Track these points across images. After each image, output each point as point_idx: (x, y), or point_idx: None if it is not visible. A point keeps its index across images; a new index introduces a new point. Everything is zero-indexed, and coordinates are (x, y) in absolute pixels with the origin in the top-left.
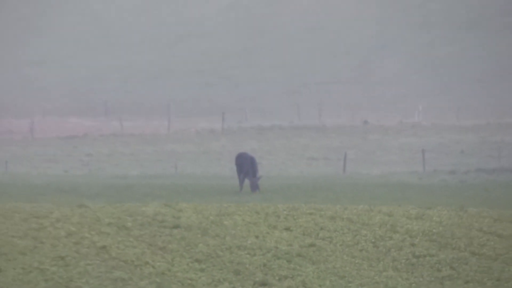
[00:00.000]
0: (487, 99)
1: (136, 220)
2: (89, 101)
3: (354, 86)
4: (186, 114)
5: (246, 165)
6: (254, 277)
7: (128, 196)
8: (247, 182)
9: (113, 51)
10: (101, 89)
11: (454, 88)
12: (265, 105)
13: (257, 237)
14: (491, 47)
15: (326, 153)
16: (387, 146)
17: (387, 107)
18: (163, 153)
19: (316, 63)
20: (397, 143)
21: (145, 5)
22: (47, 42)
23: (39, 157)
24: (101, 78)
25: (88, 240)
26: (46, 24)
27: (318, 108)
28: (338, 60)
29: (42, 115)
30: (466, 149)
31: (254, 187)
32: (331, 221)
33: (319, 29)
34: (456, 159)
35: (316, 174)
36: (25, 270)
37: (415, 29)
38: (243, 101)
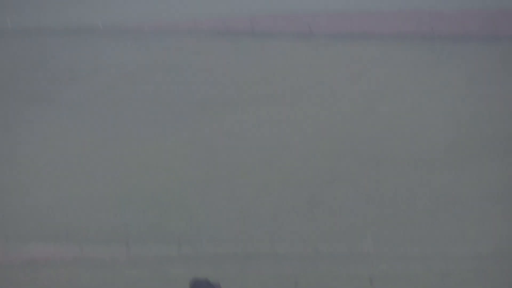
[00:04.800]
0: (433, 231)
1: None
2: (50, 227)
3: (306, 216)
4: (144, 241)
5: None
6: None
7: None
8: None
9: (73, 181)
10: (62, 216)
11: (401, 220)
12: (220, 233)
13: None
14: (435, 182)
15: (278, 280)
16: (337, 274)
17: (337, 237)
18: (122, 278)
19: (270, 194)
20: (346, 270)
21: (105, 140)
22: (8, 170)
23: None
24: (63, 205)
25: None
26: (7, 153)
27: (271, 236)
28: (290, 192)
29: (2, 240)
30: (411, 278)
31: None
32: None
33: (273, 162)
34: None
35: None
36: None
37: (364, 164)
38: (199, 230)
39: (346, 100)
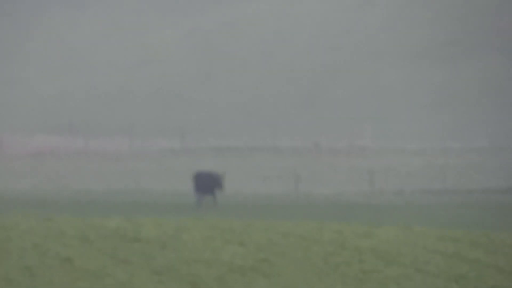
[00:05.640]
0: (432, 124)
1: (99, 233)
2: (55, 120)
3: (306, 110)
4: (147, 134)
5: (205, 184)
6: None
7: (92, 210)
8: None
9: (77, 73)
10: (67, 109)
11: (401, 114)
12: (223, 126)
13: (213, 251)
14: (436, 75)
15: (279, 173)
16: (337, 167)
17: (337, 131)
18: (125, 170)
19: (270, 87)
20: (346, 164)
21: (108, 31)
22: (13, 63)
23: (7, 172)
24: (66, 98)
25: (53, 252)
26: (12, 46)
27: (272, 130)
28: (291, 85)
29: (10, 132)
30: (412, 171)
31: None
32: (283, 238)
33: (273, 55)
34: (402, 180)
35: (270, 193)
36: None
37: (364, 57)
38: (202, 123)
39: None
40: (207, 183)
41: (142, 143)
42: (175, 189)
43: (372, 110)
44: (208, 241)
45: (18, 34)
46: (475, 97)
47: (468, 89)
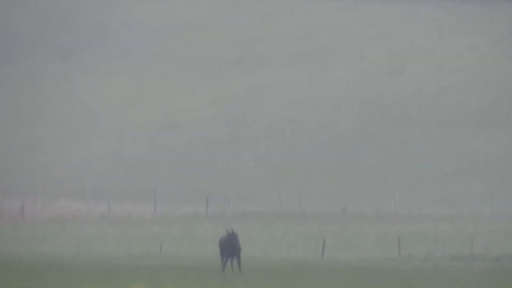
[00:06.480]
0: (460, 191)
1: None
2: (78, 185)
3: (333, 176)
4: (171, 199)
5: (228, 247)
6: None
7: (115, 276)
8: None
9: (101, 138)
10: (90, 174)
11: (429, 181)
12: (248, 192)
13: None
14: (463, 143)
15: (305, 239)
16: (365, 233)
17: (365, 197)
18: (148, 235)
19: (296, 154)
20: (374, 230)
21: (133, 96)
22: (37, 128)
23: (29, 237)
24: (90, 163)
25: None
26: (36, 112)
27: (298, 196)
28: (318, 151)
29: (32, 196)
30: (440, 237)
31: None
32: None
33: (300, 121)
34: (430, 247)
35: (296, 258)
36: None
37: (392, 125)
38: (227, 188)
39: (374, 59)
40: (230, 247)
41: (166, 208)
42: (198, 254)
43: (401, 177)
44: None
45: (42, 99)
46: (504, 165)
47: (497, 157)
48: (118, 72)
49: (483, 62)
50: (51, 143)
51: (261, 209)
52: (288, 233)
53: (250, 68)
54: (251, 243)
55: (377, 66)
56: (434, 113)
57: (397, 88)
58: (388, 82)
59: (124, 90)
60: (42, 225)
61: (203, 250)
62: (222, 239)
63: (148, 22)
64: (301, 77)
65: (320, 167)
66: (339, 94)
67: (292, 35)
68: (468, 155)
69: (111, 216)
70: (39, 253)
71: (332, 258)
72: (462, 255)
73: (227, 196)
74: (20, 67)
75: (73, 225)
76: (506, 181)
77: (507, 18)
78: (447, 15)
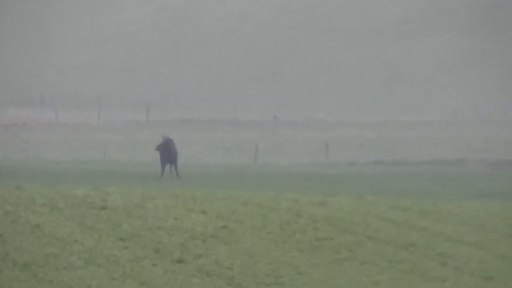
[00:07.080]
0: (385, 99)
1: (67, 201)
2: (27, 94)
3: (266, 85)
4: (114, 107)
5: (164, 153)
6: (172, 255)
7: (61, 179)
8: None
9: (48, 48)
10: (37, 83)
11: (356, 89)
12: (186, 100)
13: (175, 219)
14: (389, 52)
15: (239, 145)
16: (295, 140)
17: (295, 105)
18: (93, 141)
19: (232, 63)
20: (303, 137)
21: (79, 8)
22: None
23: None
24: (37, 72)
25: (24, 219)
26: None
27: (233, 104)
28: (252, 61)
29: None
30: (365, 144)
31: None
32: (242, 206)
33: (237, 32)
34: (356, 152)
35: (230, 164)
36: None
37: (322, 35)
38: (167, 96)
39: None
40: (169, 154)
41: (110, 115)
42: (140, 159)
43: (330, 85)
44: (171, 209)
45: None
46: (426, 74)
47: (420, 66)
48: None
49: None
50: (0, 53)
51: (198, 117)
52: (223, 140)
53: None
54: (188, 149)
55: None
56: (362, 23)
57: None
58: None
59: (70, 1)
60: None
61: (144, 156)
62: (159, 145)
63: None
64: None
65: (253, 77)
66: (273, 5)
67: None
68: (393, 64)
69: (58, 123)
70: None
71: (264, 163)
72: (386, 160)
73: (167, 103)
74: None
75: (22, 131)
76: (429, 89)
77: None
78: None
